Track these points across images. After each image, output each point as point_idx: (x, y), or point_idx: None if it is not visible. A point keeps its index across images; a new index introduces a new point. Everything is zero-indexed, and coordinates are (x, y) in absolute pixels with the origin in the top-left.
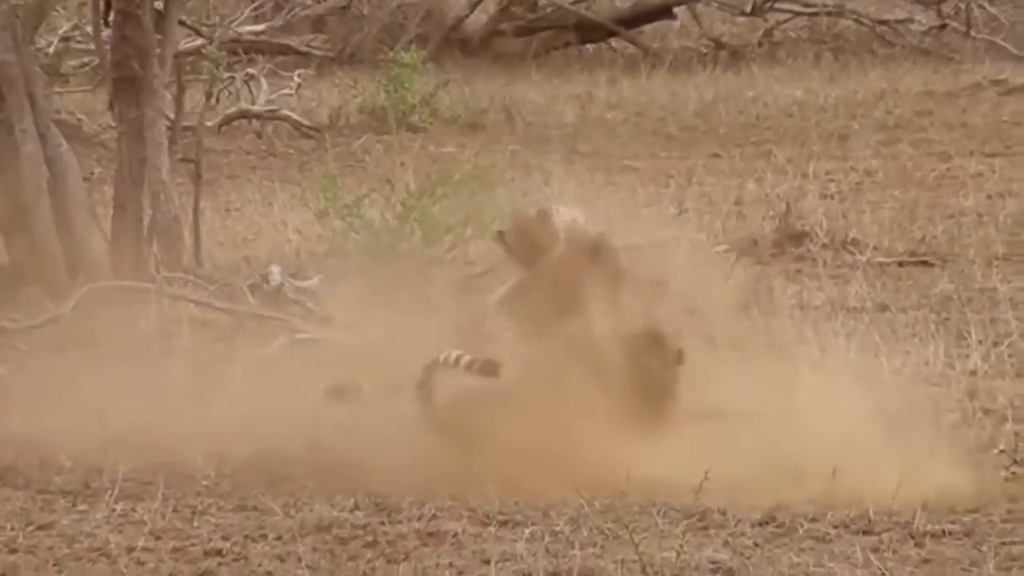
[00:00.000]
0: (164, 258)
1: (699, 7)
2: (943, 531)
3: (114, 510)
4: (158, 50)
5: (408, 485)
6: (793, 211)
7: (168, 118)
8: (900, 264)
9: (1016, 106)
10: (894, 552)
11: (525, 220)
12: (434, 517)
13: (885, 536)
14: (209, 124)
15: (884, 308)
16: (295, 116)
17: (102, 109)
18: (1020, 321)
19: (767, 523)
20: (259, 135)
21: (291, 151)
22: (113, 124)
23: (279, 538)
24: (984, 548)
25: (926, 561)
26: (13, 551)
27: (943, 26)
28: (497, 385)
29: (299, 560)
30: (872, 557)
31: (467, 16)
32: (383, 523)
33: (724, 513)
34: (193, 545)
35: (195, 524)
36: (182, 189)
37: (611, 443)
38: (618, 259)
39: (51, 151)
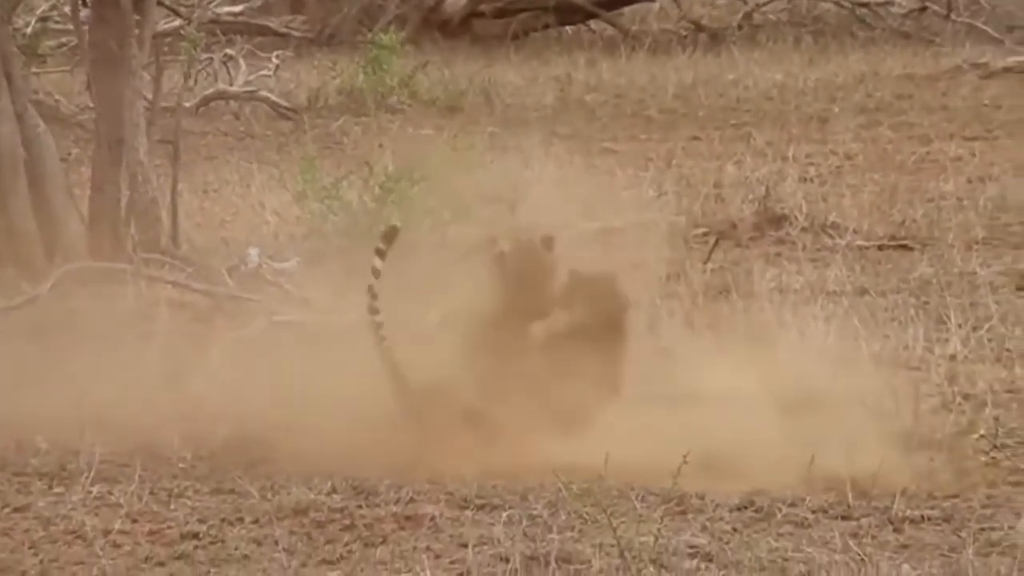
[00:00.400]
0: (142, 239)
1: None
2: (922, 516)
3: (90, 492)
4: (136, 30)
5: (386, 468)
6: (773, 194)
7: (146, 99)
8: (880, 248)
9: (996, 89)
10: (873, 537)
11: (528, 245)
12: (411, 500)
13: (864, 521)
14: (187, 105)
15: (864, 292)
16: (273, 97)
17: (80, 90)
18: (1000, 305)
19: (745, 508)
20: (237, 116)
21: (269, 132)
22: (91, 105)
23: (256, 521)
24: (963, 534)
25: (905, 546)
26: None
27: (923, 8)
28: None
29: (276, 543)
30: (851, 542)
31: None
32: (360, 506)
33: (702, 497)
34: (169, 528)
35: (172, 507)
36: (160, 170)
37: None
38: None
39: (28, 132)
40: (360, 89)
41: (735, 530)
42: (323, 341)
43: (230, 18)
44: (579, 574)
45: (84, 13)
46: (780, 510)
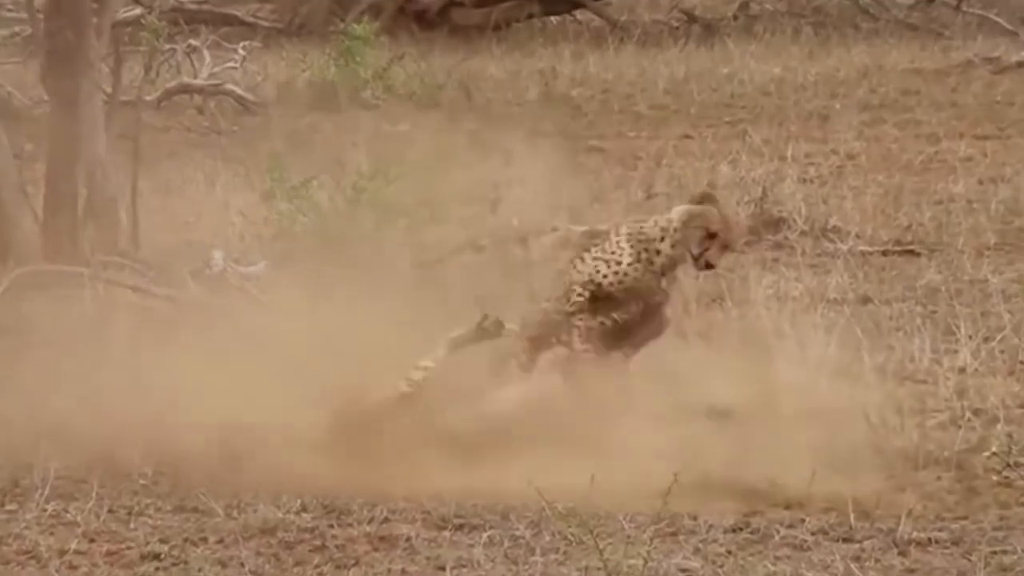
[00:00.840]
0: (100, 241)
1: None
2: (929, 539)
3: (45, 510)
4: (95, 19)
5: (358, 485)
6: (770, 196)
7: (105, 92)
8: (884, 253)
9: (1010, 85)
10: (876, 561)
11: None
12: (386, 520)
13: (867, 544)
14: (148, 99)
15: (867, 300)
16: (239, 91)
17: (34, 82)
18: (1012, 315)
19: (741, 529)
20: (201, 111)
21: (235, 128)
22: (46, 98)
23: (220, 541)
24: (973, 557)
25: (911, 571)
26: None
27: None
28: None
29: (242, 565)
30: (853, 566)
31: None
32: (332, 526)
33: (695, 518)
34: (129, 548)
35: (131, 526)
36: (119, 168)
37: None
38: None
39: None
40: (332, 82)
41: (729, 553)
42: (289, 347)
43: (194, 6)
44: None
45: (39, 0)
46: (777, 532)
